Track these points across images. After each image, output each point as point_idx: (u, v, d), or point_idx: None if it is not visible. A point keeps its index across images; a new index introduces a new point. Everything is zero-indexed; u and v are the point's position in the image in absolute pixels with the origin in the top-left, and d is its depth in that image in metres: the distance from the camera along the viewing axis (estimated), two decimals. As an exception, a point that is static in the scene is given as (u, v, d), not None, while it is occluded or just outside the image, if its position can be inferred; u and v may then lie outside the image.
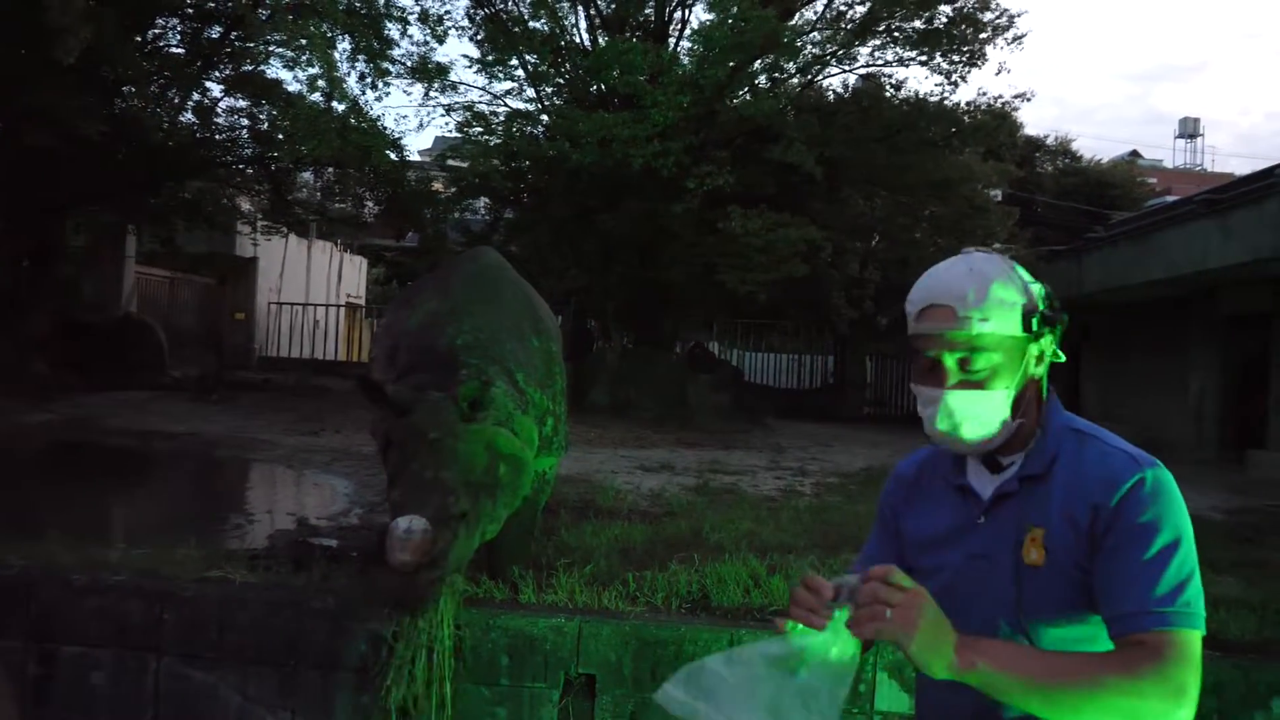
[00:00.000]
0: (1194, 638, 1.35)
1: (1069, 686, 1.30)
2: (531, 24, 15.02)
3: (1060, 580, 1.44)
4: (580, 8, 15.33)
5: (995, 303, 1.50)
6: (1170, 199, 21.80)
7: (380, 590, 3.49)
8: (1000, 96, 16.18)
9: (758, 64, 14.43)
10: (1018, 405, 1.52)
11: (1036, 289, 1.53)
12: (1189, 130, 47.68)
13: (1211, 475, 10.09)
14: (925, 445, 1.71)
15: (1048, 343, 1.54)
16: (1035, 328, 1.51)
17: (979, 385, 1.50)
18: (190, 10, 14.21)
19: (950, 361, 1.50)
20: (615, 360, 15.16)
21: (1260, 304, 12.65)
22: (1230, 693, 3.72)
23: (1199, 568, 1.41)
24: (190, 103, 14.77)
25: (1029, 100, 20.46)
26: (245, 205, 17.35)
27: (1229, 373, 13.59)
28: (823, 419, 16.53)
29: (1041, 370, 1.55)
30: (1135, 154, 38.85)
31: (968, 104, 15.78)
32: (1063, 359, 1.57)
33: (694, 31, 14.68)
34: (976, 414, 1.50)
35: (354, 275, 26.86)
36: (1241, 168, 47.64)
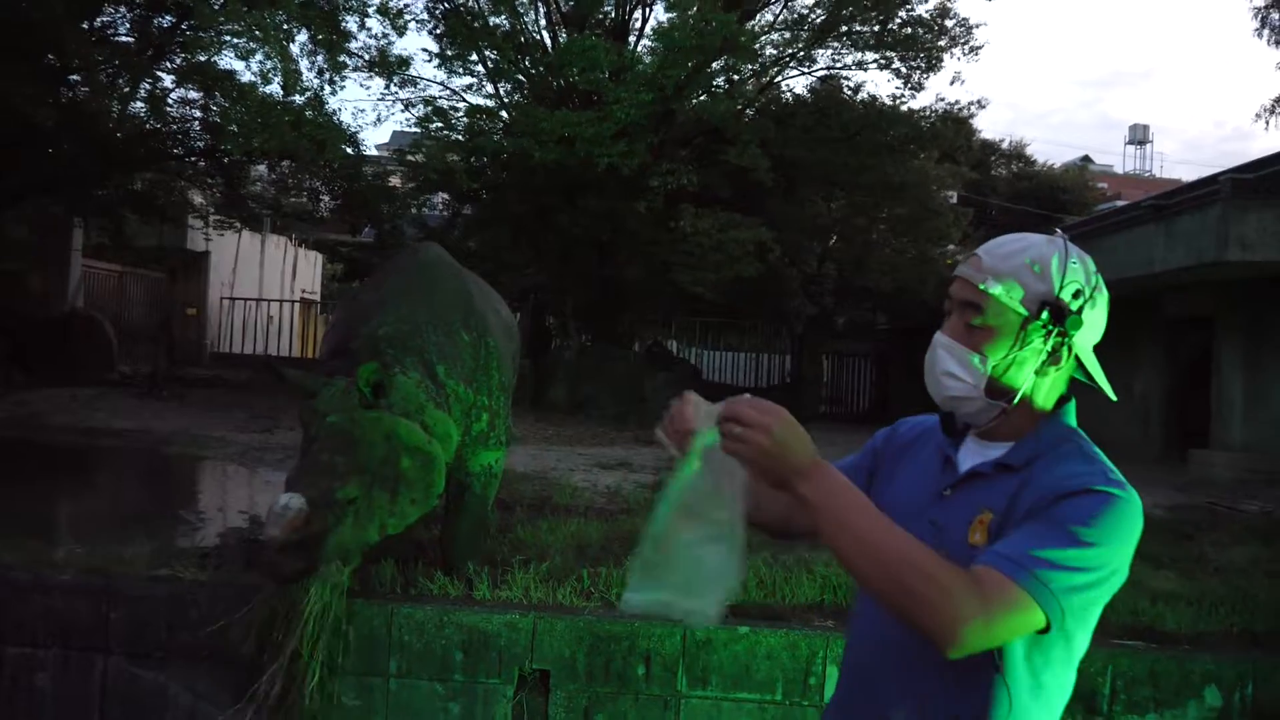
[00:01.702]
0: (1031, 605, 1.31)
1: (889, 550, 1.31)
2: (492, 19, 14.95)
3: None
4: (540, 4, 15.30)
5: (1014, 271, 1.48)
6: (1120, 204, 22.28)
7: (256, 565, 3.47)
8: (957, 102, 16.47)
9: (716, 65, 14.51)
10: (999, 387, 1.49)
11: (1071, 287, 1.47)
12: (1139, 137, 48.74)
13: (1155, 474, 10.34)
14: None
15: (1056, 342, 1.48)
16: (1042, 316, 1.46)
17: (964, 341, 1.51)
18: (140, -2, 13.95)
19: (954, 304, 1.53)
20: (573, 358, 15.16)
21: (1204, 308, 12.98)
22: (1166, 682, 3.83)
23: (1108, 587, 1.39)
24: (140, 92, 14.48)
25: (984, 107, 20.72)
26: (197, 198, 17.05)
27: (1174, 374, 13.93)
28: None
29: (1053, 373, 1.50)
30: (1087, 159, 39.60)
31: (925, 109, 16.02)
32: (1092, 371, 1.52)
33: (654, 31, 14.73)
34: (949, 366, 1.51)
35: (309, 270, 26.52)
36: (1189, 174, 48.74)
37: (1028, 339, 1.47)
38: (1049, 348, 1.48)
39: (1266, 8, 12.32)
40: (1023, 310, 1.47)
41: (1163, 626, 4.18)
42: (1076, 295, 1.47)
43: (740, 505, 1.38)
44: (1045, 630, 1.36)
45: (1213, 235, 11.16)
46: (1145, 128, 48.92)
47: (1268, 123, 16.38)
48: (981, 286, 1.49)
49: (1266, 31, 12.45)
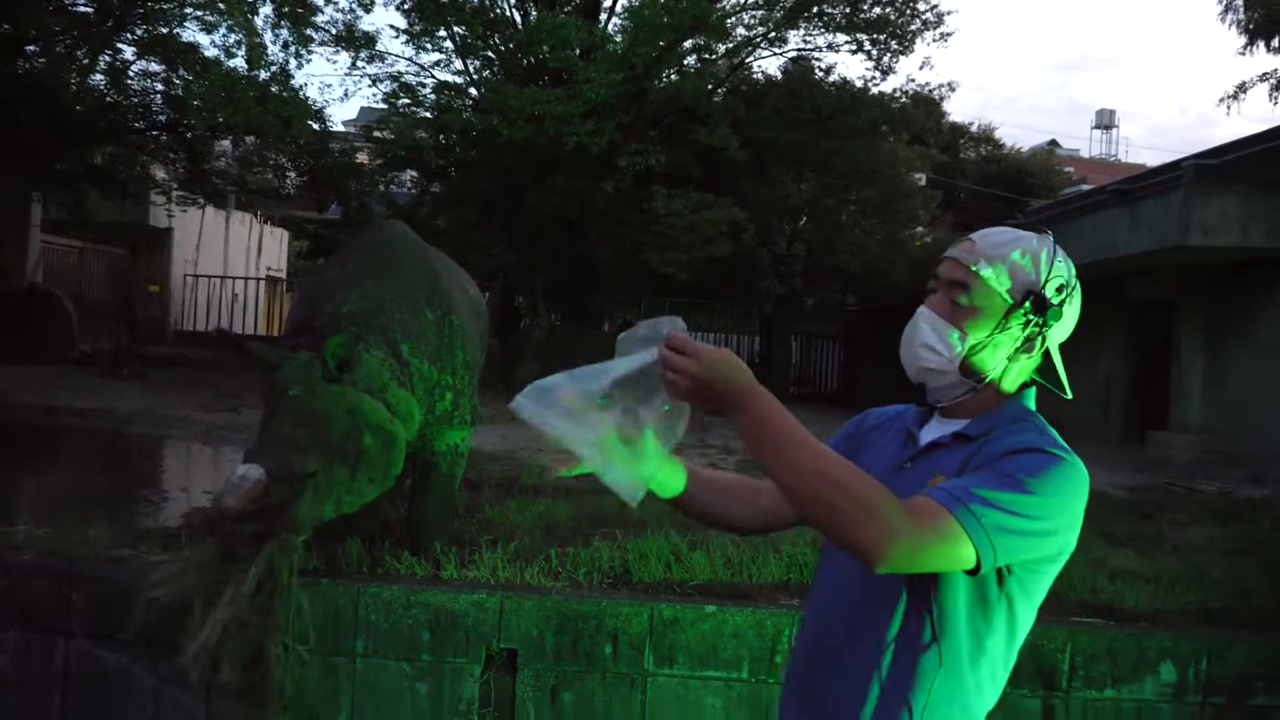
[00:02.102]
0: (961, 536, 1.35)
1: (823, 472, 1.35)
2: (460, -5, 14.77)
3: None
4: (510, -20, 15.14)
5: (1004, 259, 1.56)
6: (1085, 188, 22.53)
7: (213, 537, 3.42)
8: (927, 84, 16.53)
9: (687, 44, 14.46)
10: (971, 366, 1.56)
11: (1056, 281, 1.55)
12: (1105, 121, 49.23)
13: (1115, 455, 10.52)
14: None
15: (1033, 331, 1.55)
16: (1025, 305, 1.53)
17: (947, 317, 1.56)
18: (99, -34, 13.63)
19: (940, 283, 1.59)
20: (543, 337, 15.12)
21: (1167, 292, 13.18)
22: (1123, 659, 3.91)
23: (1044, 539, 1.42)
24: (100, 64, 14.17)
25: (954, 90, 20.87)
26: (159, 173, 16.75)
27: (1135, 358, 14.15)
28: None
29: (1024, 360, 1.57)
30: (1054, 143, 39.98)
31: (895, 91, 16.07)
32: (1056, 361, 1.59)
33: (625, 9, 14.63)
34: (928, 339, 1.57)
35: (275, 248, 26.18)
36: (1153, 159, 49.43)
37: (1008, 325, 1.54)
38: (1025, 336, 1.55)
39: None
40: (1008, 298, 1.54)
41: (1121, 604, 4.26)
42: (1059, 290, 1.55)
43: (652, 421, 1.46)
44: (975, 571, 1.39)
45: (1175, 220, 11.33)
46: (1111, 113, 49.44)
47: (1229, 108, 16.61)
48: (974, 268, 1.55)
49: (1230, 17, 12.59)
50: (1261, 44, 12.29)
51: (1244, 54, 12.40)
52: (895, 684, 1.49)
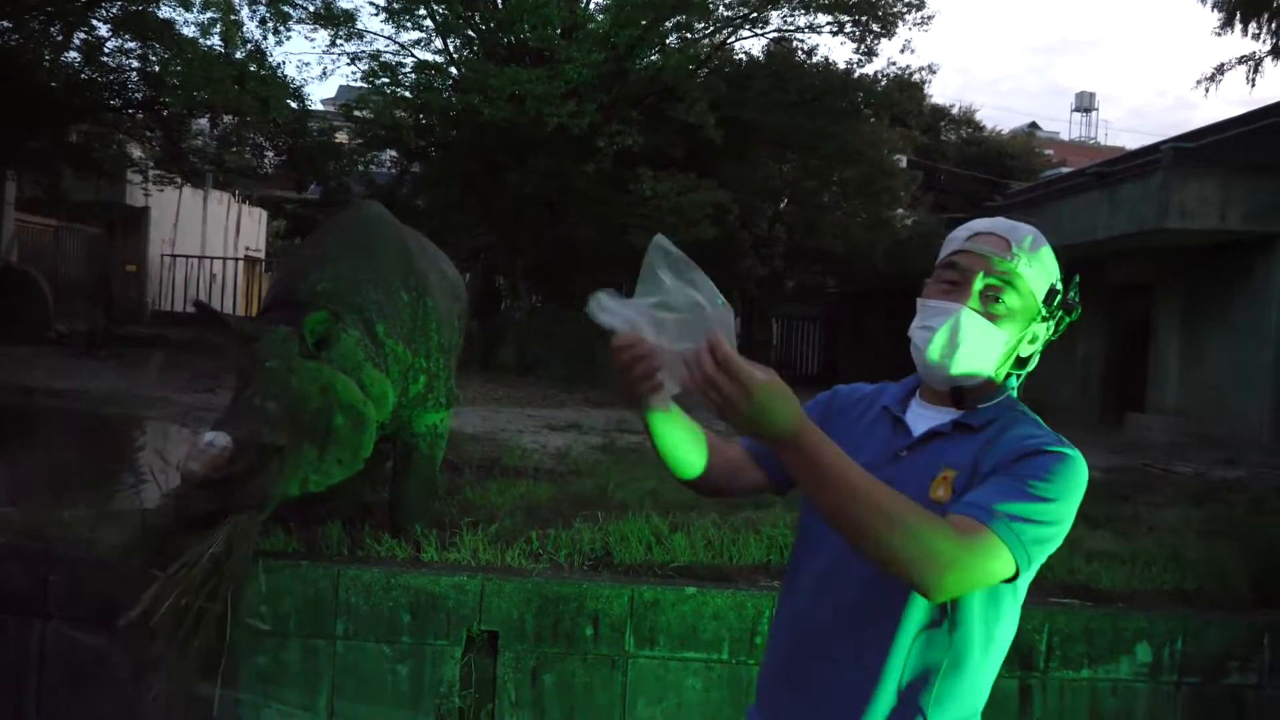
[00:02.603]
0: (1003, 552, 1.37)
1: (873, 504, 1.31)
2: (441, -29, 14.62)
3: None
4: (491, -43, 14.98)
5: (1041, 260, 1.54)
6: (1065, 170, 22.63)
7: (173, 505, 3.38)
8: (908, 67, 16.53)
9: (669, 23, 14.38)
10: (1000, 364, 1.56)
11: (1058, 278, 1.58)
12: (1084, 104, 49.41)
13: (1093, 436, 10.61)
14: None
15: (1046, 330, 1.57)
16: (1050, 305, 1.55)
17: (992, 319, 1.52)
18: (72, -58, 13.38)
19: (980, 284, 1.52)
20: (524, 319, 15.09)
21: (1145, 274, 13.28)
22: (1100, 639, 3.95)
23: (1061, 538, 1.45)
24: (74, 41, 13.95)
25: (935, 72, 20.87)
26: (136, 152, 16.53)
27: (1114, 340, 14.26)
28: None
29: (1028, 351, 1.58)
30: (1034, 126, 40.08)
31: (877, 74, 16.06)
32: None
33: (607, -12, 14.52)
34: (978, 344, 1.52)
35: (253, 227, 25.95)
36: (1132, 142, 49.61)
37: (1032, 325, 1.55)
38: (1037, 328, 1.56)
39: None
40: (1039, 301, 1.54)
41: (1098, 585, 4.30)
42: (1067, 285, 1.58)
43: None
44: (1011, 579, 1.42)
45: (1154, 203, 11.40)
46: (1091, 95, 49.62)
47: (1207, 90, 16.73)
48: (1017, 269, 1.52)
49: (1209, 1, 12.63)
50: (1238, 25, 12.33)
51: (1219, 34, 12.44)
52: (904, 674, 1.48)
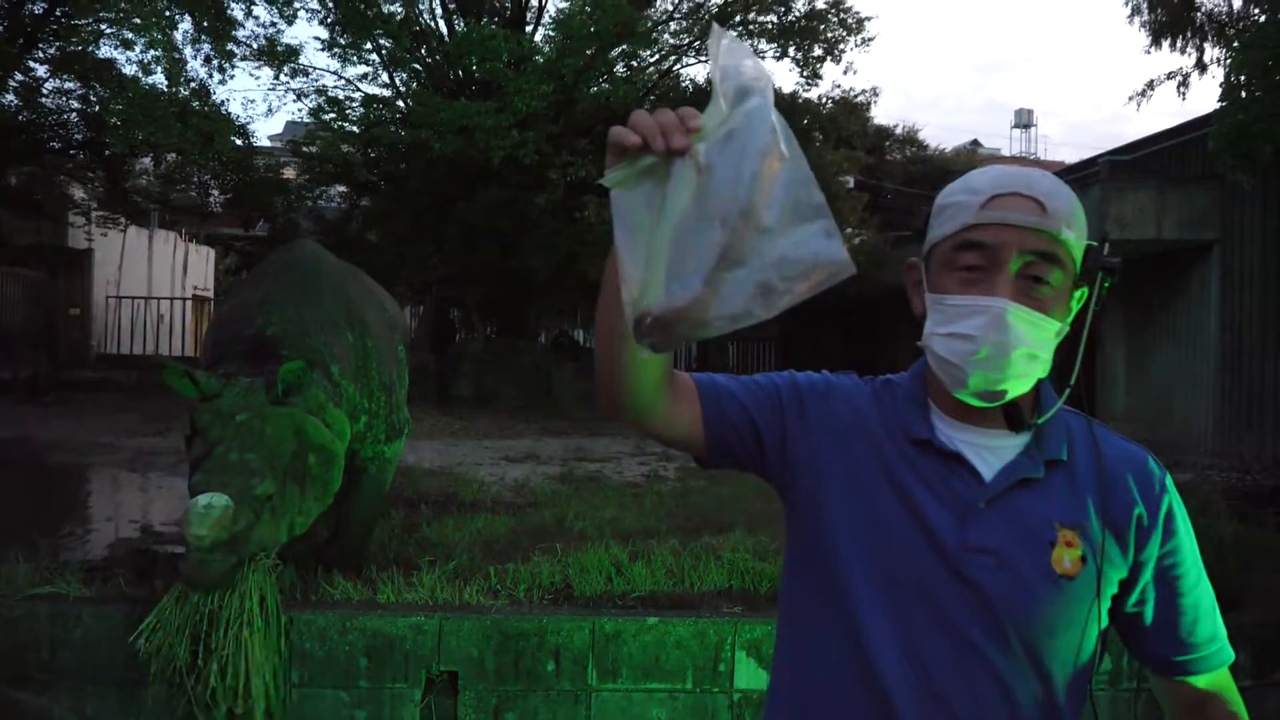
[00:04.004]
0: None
1: None
2: (386, 6, 14.61)
3: (1088, 595, 1.15)
4: (436, -9, 15.02)
5: (1079, 216, 1.16)
6: (1008, 186, 23.00)
7: (180, 573, 3.36)
8: (852, 89, 16.85)
9: (615, 52, 14.49)
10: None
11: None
12: (1024, 121, 50.49)
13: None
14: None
15: (1080, 299, 1.20)
16: (1089, 269, 1.18)
17: (1041, 309, 1.14)
18: (8, -17, 13.18)
19: (1017, 265, 1.13)
20: (478, 350, 14.99)
21: (1087, 282, 13.57)
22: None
23: None
24: (11, 83, 13.69)
25: (878, 96, 21.30)
26: (78, 193, 16.24)
27: (1062, 346, 14.52)
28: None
29: (1064, 331, 1.20)
30: (976, 143, 40.89)
31: (821, 98, 16.33)
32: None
33: (552, 19, 14.62)
34: (1033, 347, 1.14)
35: (201, 266, 25.56)
36: (1071, 156, 50.83)
37: (1072, 299, 1.19)
38: (1075, 305, 1.21)
39: (1137, -4, 12.89)
40: (1078, 266, 1.17)
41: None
42: (1102, 243, 1.20)
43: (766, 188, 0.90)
44: None
45: (1093, 215, 11.66)
46: (1030, 112, 50.70)
47: (1139, 105, 17.20)
48: (1060, 235, 1.13)
49: (1137, 19, 13.02)
50: (1166, 43, 12.73)
51: (1149, 53, 12.87)
52: None
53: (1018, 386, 1.16)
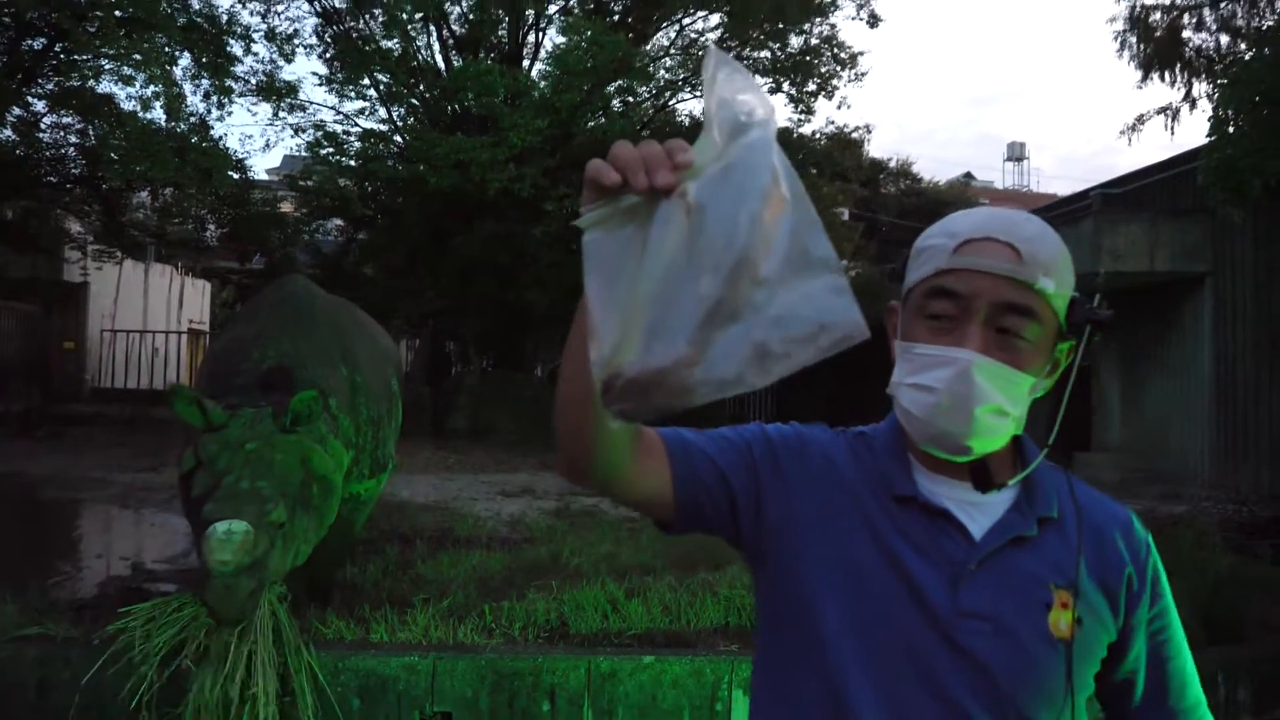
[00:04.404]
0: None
1: None
2: (384, 43, 14.76)
3: (1084, 660, 1.11)
4: (433, 28, 15.18)
5: (1062, 266, 1.09)
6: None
7: (205, 598, 3.33)
8: (846, 125, 17.01)
9: (611, 87, 14.62)
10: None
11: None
12: (1016, 154, 50.98)
13: (1042, 478, 10.74)
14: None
15: (1065, 352, 1.14)
16: (1073, 320, 1.11)
17: (1015, 363, 1.08)
18: (7, 20, 13.28)
19: (985, 315, 1.07)
20: (475, 383, 14.98)
21: (1081, 316, 13.62)
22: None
23: None
24: (9, 118, 13.77)
25: (871, 132, 21.55)
26: (74, 227, 16.28)
27: (1058, 379, 14.56)
28: (683, 423, 16.76)
29: (1045, 386, 1.14)
30: (969, 176, 41.25)
31: (815, 134, 16.49)
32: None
33: (549, 55, 14.78)
34: (1002, 402, 1.07)
35: (197, 300, 25.57)
36: (1064, 188, 51.21)
37: (1054, 350, 1.13)
38: (1063, 358, 1.14)
39: (1124, 31, 13.08)
40: (1061, 314, 1.11)
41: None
42: (1091, 293, 1.14)
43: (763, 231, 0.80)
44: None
45: (1087, 247, 11.74)
46: (1022, 145, 51.23)
47: (1130, 139, 17.37)
48: (1036, 285, 1.07)
49: (1126, 53, 13.19)
50: (1156, 76, 12.89)
51: (1141, 87, 13.02)
52: None
53: (984, 444, 1.09)
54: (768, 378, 0.79)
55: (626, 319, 0.79)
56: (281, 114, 15.00)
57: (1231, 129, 7.57)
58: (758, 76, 15.74)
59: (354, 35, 15.00)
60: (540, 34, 15.81)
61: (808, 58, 15.44)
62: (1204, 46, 12.59)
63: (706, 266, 0.78)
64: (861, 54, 15.79)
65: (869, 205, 25.46)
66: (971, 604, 1.08)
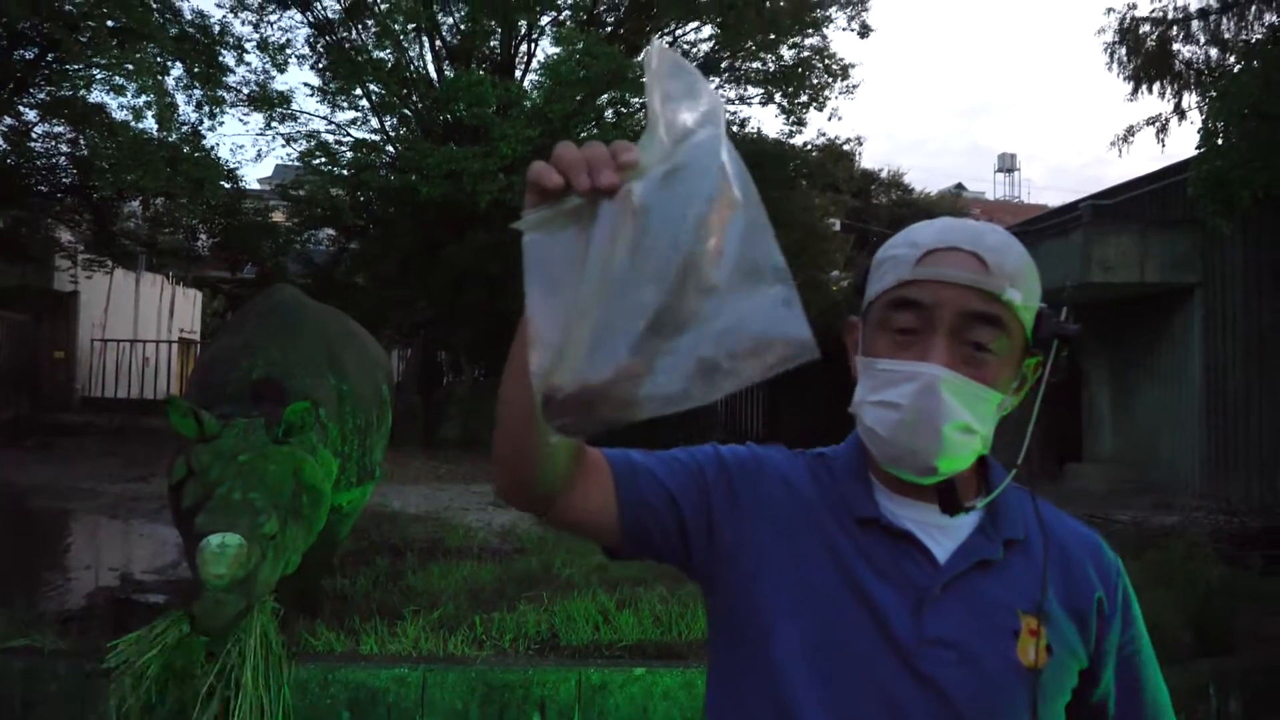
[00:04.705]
0: None
1: None
2: (376, 53, 14.78)
3: (1055, 689, 1.06)
4: (425, 39, 15.21)
5: (1028, 276, 1.06)
6: (992, 229, 23.27)
7: (190, 617, 3.31)
8: (838, 136, 17.11)
9: (603, 98, 14.66)
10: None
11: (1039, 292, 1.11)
12: (1007, 165, 51.28)
13: (1035, 487, 10.75)
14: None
15: (1031, 368, 1.10)
16: (1041, 335, 1.07)
17: (982, 378, 1.03)
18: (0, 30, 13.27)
19: (950, 326, 1.03)
20: (466, 393, 14.96)
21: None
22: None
23: None
24: (1, 127, 13.76)
25: (863, 143, 21.68)
26: (66, 236, 16.23)
27: (1048, 389, 14.59)
28: (672, 433, 16.76)
29: (1012, 402, 1.10)
30: (960, 186, 41.47)
31: (806, 145, 16.57)
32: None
33: (541, 65, 14.81)
34: (963, 417, 1.02)
35: (188, 309, 25.50)
36: (1054, 199, 51.49)
37: (1022, 368, 1.09)
38: (1029, 374, 1.11)
39: (1114, 44, 13.15)
40: (1030, 332, 1.07)
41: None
42: (1058, 306, 1.11)
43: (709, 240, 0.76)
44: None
45: (1075, 259, 11.79)
46: (1013, 156, 51.57)
47: (1120, 151, 17.49)
48: (1004, 296, 1.03)
49: (1116, 66, 13.27)
50: (1146, 88, 12.96)
51: (1131, 100, 13.11)
52: None
53: (952, 464, 1.04)
54: (715, 393, 0.75)
55: (568, 328, 0.75)
56: (274, 124, 15.00)
57: (1220, 141, 7.62)
58: (749, 88, 15.82)
59: (346, 45, 15.02)
60: (532, 45, 15.86)
61: (799, 69, 15.51)
62: (1193, 59, 12.67)
63: (651, 273, 0.74)
64: (853, 65, 15.87)
65: (860, 216, 25.55)
66: (935, 630, 1.03)
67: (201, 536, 3.26)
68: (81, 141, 14.02)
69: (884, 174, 31.19)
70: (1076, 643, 1.08)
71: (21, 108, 13.84)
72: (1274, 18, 10.87)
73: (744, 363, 0.75)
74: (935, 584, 1.05)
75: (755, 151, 16.08)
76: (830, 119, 27.06)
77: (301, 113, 15.58)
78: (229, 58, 13.94)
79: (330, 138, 15.20)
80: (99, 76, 13.17)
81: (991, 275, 1.03)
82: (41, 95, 13.87)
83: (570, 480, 1.04)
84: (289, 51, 14.84)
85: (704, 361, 0.74)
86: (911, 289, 1.04)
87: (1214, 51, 12.46)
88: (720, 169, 0.75)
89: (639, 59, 15.49)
